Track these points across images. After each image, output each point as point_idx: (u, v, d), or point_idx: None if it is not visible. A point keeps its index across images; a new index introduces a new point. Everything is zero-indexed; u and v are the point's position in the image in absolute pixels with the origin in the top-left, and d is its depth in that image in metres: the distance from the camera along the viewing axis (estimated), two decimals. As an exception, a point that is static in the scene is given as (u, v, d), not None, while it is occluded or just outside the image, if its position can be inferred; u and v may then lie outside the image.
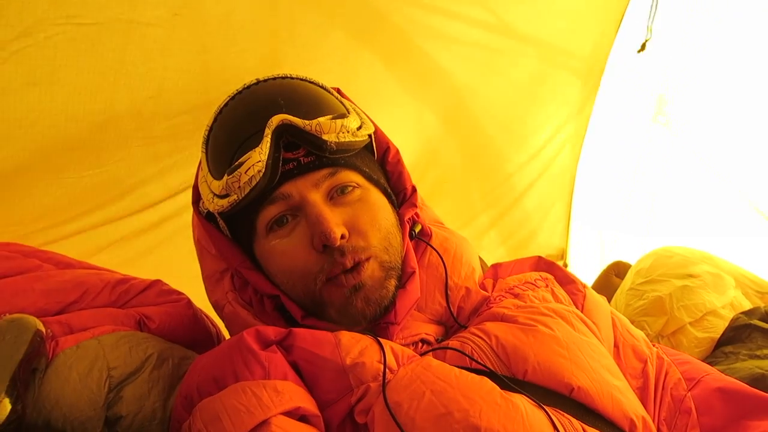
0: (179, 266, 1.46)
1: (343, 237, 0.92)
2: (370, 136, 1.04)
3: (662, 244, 2.27)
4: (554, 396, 0.87)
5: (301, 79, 1.04)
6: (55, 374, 0.90)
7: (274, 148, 0.91)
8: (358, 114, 1.03)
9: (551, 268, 1.19)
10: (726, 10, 2.25)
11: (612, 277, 2.35)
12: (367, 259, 0.94)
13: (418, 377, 0.85)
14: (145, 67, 1.47)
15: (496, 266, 1.24)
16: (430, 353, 0.95)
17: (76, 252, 1.38)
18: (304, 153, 0.94)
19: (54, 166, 1.46)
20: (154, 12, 1.41)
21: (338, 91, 1.12)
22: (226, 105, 1.02)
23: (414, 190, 1.12)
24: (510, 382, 0.87)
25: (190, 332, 1.20)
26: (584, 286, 1.13)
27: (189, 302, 1.25)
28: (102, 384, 0.92)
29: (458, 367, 0.89)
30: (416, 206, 1.10)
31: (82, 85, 1.42)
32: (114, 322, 1.08)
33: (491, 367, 0.90)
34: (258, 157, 0.90)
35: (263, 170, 0.90)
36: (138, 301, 1.21)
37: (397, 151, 1.13)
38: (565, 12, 2.20)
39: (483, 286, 1.14)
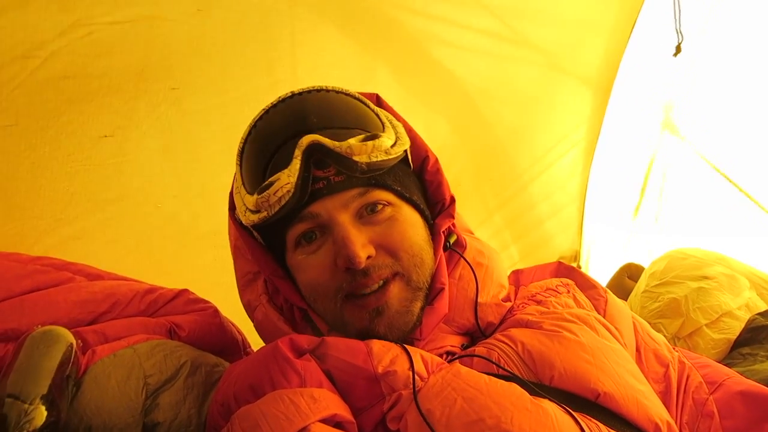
0: (203, 275, 1.50)
1: (369, 257, 0.93)
2: (405, 150, 1.03)
3: (674, 246, 2.28)
4: (580, 401, 0.88)
5: (337, 92, 1.02)
6: (95, 382, 0.93)
7: (304, 168, 0.91)
8: (394, 128, 1.02)
9: (572, 274, 1.19)
10: (734, 16, 2.26)
11: (624, 279, 2.35)
12: (394, 276, 0.95)
13: (449, 384, 0.87)
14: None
15: (517, 272, 1.25)
16: (458, 360, 0.97)
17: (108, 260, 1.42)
18: (335, 172, 0.93)
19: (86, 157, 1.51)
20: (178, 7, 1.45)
21: (377, 98, 1.11)
22: (260, 118, 1.01)
23: (453, 200, 1.10)
24: (537, 387, 0.88)
25: (217, 340, 1.24)
26: (605, 291, 1.14)
27: (216, 311, 1.28)
28: (139, 391, 0.95)
29: (486, 373, 0.91)
30: (453, 217, 1.09)
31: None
32: (146, 331, 1.11)
33: (518, 373, 0.92)
34: (286, 180, 0.90)
35: (292, 190, 0.91)
36: (166, 310, 1.24)
37: (436, 160, 1.10)
38: (575, 21, 2.22)
39: (506, 297, 1.15)
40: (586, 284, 1.16)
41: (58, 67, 1.37)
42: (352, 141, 0.92)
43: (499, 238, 2.49)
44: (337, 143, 0.91)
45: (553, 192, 2.53)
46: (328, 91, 1.02)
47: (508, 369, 0.92)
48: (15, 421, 0.79)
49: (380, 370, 0.88)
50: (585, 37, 2.27)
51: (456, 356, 0.97)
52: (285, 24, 1.73)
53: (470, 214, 2.35)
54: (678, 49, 2.26)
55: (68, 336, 0.93)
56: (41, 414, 0.82)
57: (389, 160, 0.96)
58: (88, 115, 1.47)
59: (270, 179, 0.92)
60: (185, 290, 1.30)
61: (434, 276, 1.02)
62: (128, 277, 1.32)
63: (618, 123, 2.47)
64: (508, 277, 1.24)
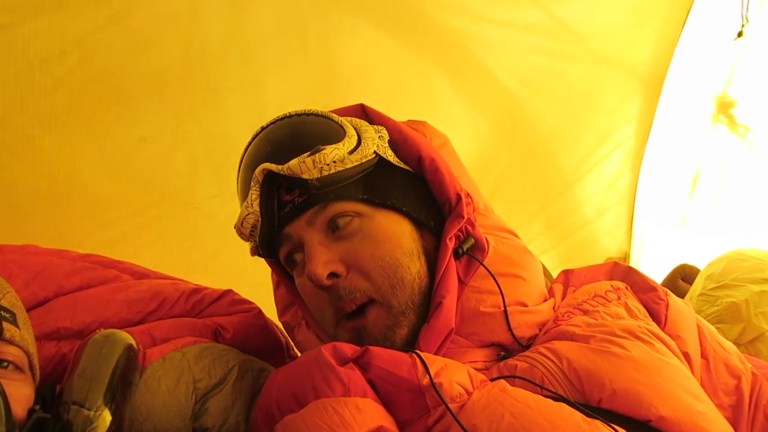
0: (244, 275, 1.51)
1: (334, 275, 0.93)
2: (377, 154, 1.01)
3: (731, 247, 2.17)
4: (633, 425, 0.83)
5: (300, 114, 1.06)
6: (145, 387, 0.94)
7: (267, 196, 0.96)
8: (359, 134, 1.01)
9: (629, 275, 1.12)
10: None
11: (678, 281, 2.26)
12: (371, 302, 0.94)
13: (496, 399, 0.84)
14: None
15: (567, 273, 1.19)
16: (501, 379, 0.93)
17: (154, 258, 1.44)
18: (299, 193, 0.97)
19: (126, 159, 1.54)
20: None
21: (362, 107, 1.12)
22: (245, 151, 1.07)
23: (459, 198, 1.02)
24: (585, 409, 0.83)
25: (261, 342, 1.24)
26: (666, 294, 1.06)
27: (260, 312, 1.29)
28: (189, 396, 0.96)
29: (531, 392, 0.87)
30: (463, 217, 1.01)
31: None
32: (193, 333, 1.13)
33: (563, 393, 0.88)
34: (245, 211, 0.97)
35: (259, 219, 0.97)
36: (211, 310, 1.26)
37: (433, 158, 1.04)
38: (625, 11, 2.12)
39: (551, 291, 1.11)
40: (645, 286, 1.08)
41: (95, 66, 1.39)
42: (292, 162, 0.94)
43: (543, 239, 2.43)
44: (278, 167, 0.94)
45: (600, 191, 2.45)
46: (290, 116, 1.05)
47: (553, 390, 0.88)
48: (80, 428, 0.80)
49: (425, 382, 0.86)
50: (635, 27, 2.17)
51: (499, 376, 0.93)
52: (322, 23, 1.72)
53: (513, 215, 2.31)
54: (740, 34, 2.14)
55: (129, 340, 0.94)
56: (105, 421, 0.82)
57: (349, 169, 0.97)
58: (127, 118, 1.50)
59: (240, 210, 0.99)
60: (230, 291, 1.31)
61: (436, 288, 0.98)
62: (173, 276, 1.34)
63: (670, 118, 2.36)
64: (558, 276, 1.19)
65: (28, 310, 1.00)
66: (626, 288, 1.09)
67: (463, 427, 0.81)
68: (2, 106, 1.30)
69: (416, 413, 0.86)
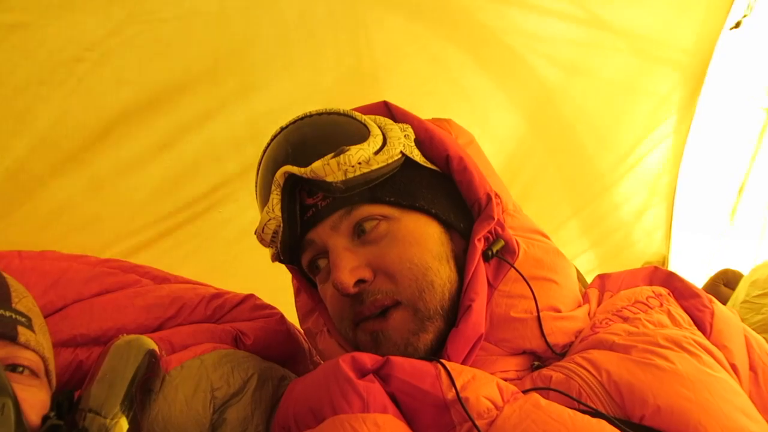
0: (266, 279, 1.48)
1: (362, 282, 0.89)
2: (402, 153, 0.96)
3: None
4: None
5: (320, 114, 1.01)
6: (163, 396, 0.92)
7: (288, 200, 0.92)
8: (384, 134, 0.97)
9: (670, 280, 1.05)
10: None
11: (720, 286, 2.15)
12: (396, 305, 0.89)
13: (528, 416, 0.78)
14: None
15: (603, 277, 1.13)
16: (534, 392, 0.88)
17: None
18: (322, 196, 0.93)
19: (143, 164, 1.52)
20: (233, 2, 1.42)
21: (385, 105, 1.07)
22: (264, 153, 1.03)
23: (489, 198, 0.98)
24: (627, 427, 0.78)
25: (283, 348, 1.22)
26: (711, 301, 0.99)
27: (282, 317, 1.26)
28: (207, 405, 0.94)
29: (566, 406, 0.81)
30: (493, 218, 0.97)
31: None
32: (213, 339, 1.10)
33: (602, 409, 0.82)
34: (267, 216, 0.93)
35: (281, 224, 0.92)
36: (232, 315, 1.23)
37: (461, 158, 1.00)
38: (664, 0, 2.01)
39: (586, 297, 1.05)
40: (687, 293, 1.01)
41: (110, 71, 1.35)
42: (315, 164, 0.90)
43: (578, 242, 2.34)
44: (302, 169, 0.90)
45: (637, 191, 2.34)
46: (311, 116, 1.01)
47: (591, 404, 0.82)
48: None
49: (450, 396, 0.81)
50: (676, 16, 2.05)
51: (533, 388, 0.88)
52: (351, 16, 1.67)
53: (546, 216, 2.24)
54: (737, 25, 2.01)
55: (151, 345, 0.93)
56: (121, 429, 0.81)
57: (375, 170, 0.92)
58: (145, 125, 1.46)
59: (261, 217, 0.95)
60: (251, 295, 1.29)
61: (464, 291, 0.93)
62: (194, 281, 1.33)
63: (713, 113, 2.23)
64: (593, 281, 1.13)
65: (45, 318, 0.99)
66: (669, 294, 1.02)
67: None
68: (17, 110, 1.28)
69: (441, 429, 0.81)
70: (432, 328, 0.91)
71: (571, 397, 0.84)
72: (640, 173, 2.29)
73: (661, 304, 1.00)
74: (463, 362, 0.90)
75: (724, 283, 2.17)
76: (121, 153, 1.44)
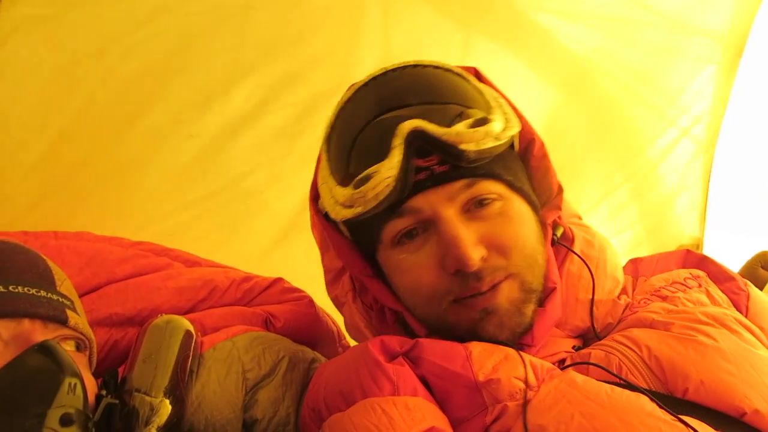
0: (295, 268, 1.48)
1: (482, 259, 0.83)
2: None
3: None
4: (722, 420, 0.75)
5: (435, 67, 0.92)
6: (196, 376, 0.93)
7: (406, 158, 0.81)
8: (501, 108, 0.90)
9: (703, 263, 1.04)
10: None
11: (758, 269, 2.08)
12: (507, 278, 0.85)
13: (564, 396, 0.76)
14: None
15: (636, 261, 1.12)
16: (571, 367, 0.86)
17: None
18: (438, 161, 0.83)
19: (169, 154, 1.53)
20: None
21: (476, 73, 0.99)
22: (349, 100, 0.93)
23: (560, 189, 0.99)
24: (670, 402, 0.76)
25: (312, 331, 1.22)
26: (746, 284, 0.98)
27: (311, 301, 1.26)
28: (240, 387, 0.95)
29: (605, 381, 0.80)
30: (560, 208, 0.98)
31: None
32: (243, 321, 1.11)
33: (643, 384, 0.81)
34: (387, 173, 0.81)
35: (393, 184, 0.81)
36: (262, 298, 1.24)
37: (543, 144, 0.98)
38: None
39: (623, 290, 1.03)
40: (722, 276, 1.00)
41: (137, 63, 1.36)
42: (460, 127, 0.82)
43: (611, 223, 2.29)
44: (444, 130, 0.81)
45: (672, 172, 2.28)
46: (425, 66, 0.92)
47: (632, 379, 0.81)
48: (145, 415, 0.79)
49: (481, 377, 0.80)
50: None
51: (571, 364, 0.87)
52: (378, 6, 1.65)
53: (581, 194, 2.20)
54: None
55: (189, 326, 0.92)
56: (166, 408, 0.81)
57: (498, 146, 0.85)
58: (172, 115, 1.46)
59: (367, 171, 0.83)
60: (280, 279, 1.30)
61: (546, 275, 0.91)
62: (224, 265, 1.34)
63: (753, 89, 2.15)
64: (625, 266, 1.11)
65: (81, 296, 1.01)
66: (706, 276, 1.01)
67: (526, 429, 0.74)
68: (45, 102, 1.30)
69: (472, 411, 0.79)
70: (533, 299, 0.88)
71: (610, 372, 0.82)
72: (676, 155, 2.22)
73: (700, 285, 0.99)
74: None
75: (762, 265, 2.10)
76: (148, 142, 1.45)
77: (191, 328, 0.92)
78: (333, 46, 1.63)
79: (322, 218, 1.00)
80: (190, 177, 1.56)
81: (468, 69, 0.99)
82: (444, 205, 0.84)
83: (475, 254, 0.81)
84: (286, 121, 1.64)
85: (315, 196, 1.02)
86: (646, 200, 2.34)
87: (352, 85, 0.96)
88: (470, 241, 0.82)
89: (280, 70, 1.58)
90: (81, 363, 0.81)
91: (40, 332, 0.78)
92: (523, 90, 1.90)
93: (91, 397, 0.78)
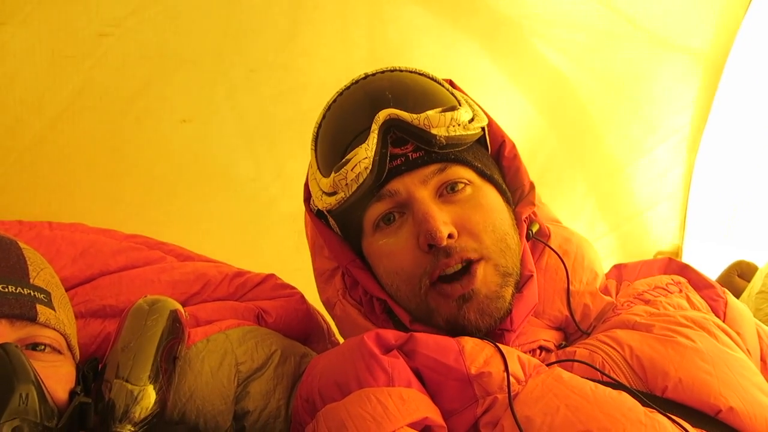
0: (284, 260, 1.49)
1: (450, 236, 0.88)
2: (483, 129, 1.00)
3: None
4: (699, 417, 0.79)
5: (410, 71, 1.01)
6: (189, 367, 0.94)
7: (382, 143, 0.90)
8: (470, 106, 0.99)
9: (684, 271, 1.09)
10: None
11: (735, 278, 2.14)
12: (479, 260, 0.89)
13: (550, 390, 0.80)
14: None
15: (620, 267, 1.16)
16: (557, 364, 0.90)
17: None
18: (413, 148, 0.91)
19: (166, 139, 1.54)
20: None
21: (450, 82, 1.07)
22: (334, 101, 1.01)
23: (532, 186, 1.06)
24: (648, 399, 0.80)
25: (303, 327, 1.23)
26: (724, 292, 1.03)
27: (302, 297, 1.28)
28: (232, 378, 0.96)
29: (589, 379, 0.83)
30: (534, 204, 1.04)
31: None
32: (236, 316, 1.12)
33: (625, 382, 0.84)
34: (364, 154, 0.89)
35: (370, 167, 0.89)
36: (254, 294, 1.25)
37: (514, 146, 1.07)
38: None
39: (606, 290, 1.07)
40: (701, 283, 1.05)
41: (133, 46, 1.37)
42: (430, 112, 0.90)
43: (591, 231, 2.34)
44: (414, 115, 0.90)
45: (651, 181, 2.34)
46: (401, 71, 1.01)
47: (614, 377, 0.85)
48: (123, 406, 0.77)
49: (473, 370, 0.83)
50: (695, 4, 2.02)
51: (557, 360, 0.90)
52: (364, 3, 1.68)
53: (559, 203, 2.24)
54: None
55: (174, 305, 0.90)
56: (149, 397, 0.79)
57: (468, 135, 0.94)
58: (166, 99, 1.48)
59: (347, 156, 0.91)
60: (272, 275, 1.31)
61: (521, 264, 0.96)
62: (216, 260, 1.34)
63: (732, 105, 2.21)
64: (610, 271, 1.15)
65: (75, 286, 1.01)
66: (687, 282, 1.05)
67: (516, 419, 0.77)
68: (42, 83, 1.30)
69: (464, 403, 0.83)
70: (510, 283, 0.92)
71: (594, 368, 0.86)
72: (653, 162, 2.28)
73: (680, 290, 1.03)
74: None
75: (739, 274, 2.16)
76: (143, 126, 1.46)
77: (178, 307, 0.91)
78: (318, 40, 1.66)
79: (314, 216, 1.07)
80: (181, 164, 1.57)
81: (443, 81, 1.08)
82: (418, 187, 0.91)
83: (444, 228, 0.87)
84: (272, 111, 1.66)
85: (308, 197, 1.09)
86: (625, 210, 2.40)
87: (337, 90, 1.04)
88: (441, 218, 0.88)
89: (273, 59, 1.60)
90: (49, 360, 0.78)
91: (6, 332, 0.75)
92: (503, 96, 1.94)
93: (65, 393, 0.77)
